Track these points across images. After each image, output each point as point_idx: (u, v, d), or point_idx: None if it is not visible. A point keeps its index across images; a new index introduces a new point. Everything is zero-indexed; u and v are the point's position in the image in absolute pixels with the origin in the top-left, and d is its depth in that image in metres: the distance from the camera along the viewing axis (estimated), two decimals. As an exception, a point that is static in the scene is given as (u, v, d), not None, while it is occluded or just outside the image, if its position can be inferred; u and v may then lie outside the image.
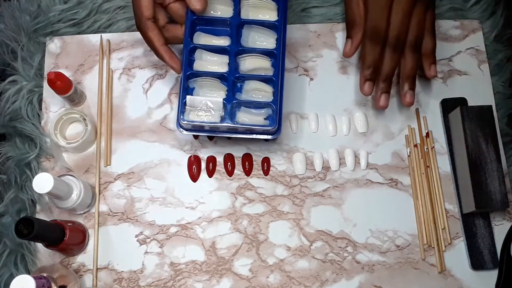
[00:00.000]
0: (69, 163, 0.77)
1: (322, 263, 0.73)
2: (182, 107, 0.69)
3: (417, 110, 0.79)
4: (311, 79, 0.80)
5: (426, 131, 0.78)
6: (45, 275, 0.62)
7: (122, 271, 0.73)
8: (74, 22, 0.82)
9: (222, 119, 0.69)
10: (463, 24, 0.82)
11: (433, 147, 0.77)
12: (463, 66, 0.81)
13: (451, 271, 0.73)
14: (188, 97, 0.69)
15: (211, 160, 0.77)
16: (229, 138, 0.77)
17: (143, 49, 0.81)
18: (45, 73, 0.80)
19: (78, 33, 0.82)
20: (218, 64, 0.71)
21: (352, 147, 0.77)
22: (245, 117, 0.70)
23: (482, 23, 0.82)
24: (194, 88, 0.71)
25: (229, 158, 0.77)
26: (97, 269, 0.73)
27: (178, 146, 0.78)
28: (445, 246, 0.74)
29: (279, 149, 0.77)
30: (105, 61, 0.81)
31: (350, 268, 0.73)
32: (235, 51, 0.70)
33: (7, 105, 0.78)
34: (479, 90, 0.79)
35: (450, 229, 0.74)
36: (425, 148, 0.77)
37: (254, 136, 0.71)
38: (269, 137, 0.71)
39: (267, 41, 0.72)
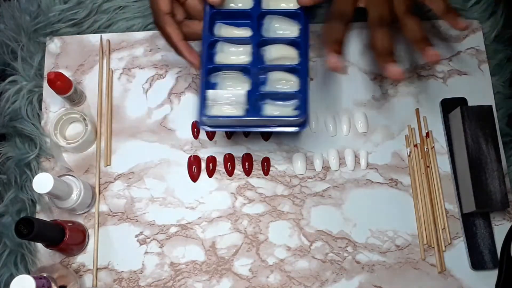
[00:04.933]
0: (69, 163, 0.77)
1: (322, 263, 0.73)
2: (203, 102, 0.66)
3: (417, 110, 0.79)
4: (311, 79, 0.80)
5: (426, 131, 0.78)
6: (45, 275, 0.62)
7: (122, 271, 0.73)
8: (74, 22, 0.82)
9: (247, 113, 0.66)
10: (463, 24, 0.82)
11: (433, 147, 0.77)
12: (463, 66, 0.80)
13: (451, 271, 0.73)
14: (209, 91, 0.66)
15: (211, 160, 0.77)
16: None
17: (143, 49, 0.81)
18: (45, 73, 0.80)
19: (78, 33, 0.82)
20: (242, 54, 0.68)
21: (352, 147, 0.77)
22: (272, 109, 0.67)
23: (482, 23, 0.82)
24: (216, 83, 0.68)
25: (229, 158, 0.77)
26: (97, 269, 0.73)
27: (178, 146, 0.78)
28: (445, 246, 0.74)
29: (279, 149, 0.77)
30: (105, 61, 0.81)
31: (350, 268, 0.73)
32: (257, 42, 0.68)
33: (7, 105, 0.78)
34: (479, 90, 0.79)
35: (450, 229, 0.74)
36: (425, 148, 0.77)
37: (282, 129, 0.68)
38: (296, 129, 0.68)
39: (290, 30, 0.69)
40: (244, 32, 0.69)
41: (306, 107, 0.66)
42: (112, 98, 0.80)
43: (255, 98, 0.66)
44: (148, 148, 0.77)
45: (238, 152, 0.77)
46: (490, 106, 0.74)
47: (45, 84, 0.79)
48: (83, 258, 0.74)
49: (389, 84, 0.80)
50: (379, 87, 0.80)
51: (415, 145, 0.77)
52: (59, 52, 0.81)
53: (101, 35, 0.82)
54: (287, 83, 0.68)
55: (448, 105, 0.78)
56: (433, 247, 0.73)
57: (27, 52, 0.80)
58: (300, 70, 0.67)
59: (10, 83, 0.79)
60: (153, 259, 0.74)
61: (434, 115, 0.79)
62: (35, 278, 0.58)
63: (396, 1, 0.66)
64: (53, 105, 0.79)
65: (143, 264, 0.73)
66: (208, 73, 0.67)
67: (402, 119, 0.79)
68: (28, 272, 0.72)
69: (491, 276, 0.72)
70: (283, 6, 0.70)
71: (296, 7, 0.69)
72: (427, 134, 0.78)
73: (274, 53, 0.69)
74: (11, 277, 0.71)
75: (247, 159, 0.77)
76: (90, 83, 0.80)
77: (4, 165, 0.77)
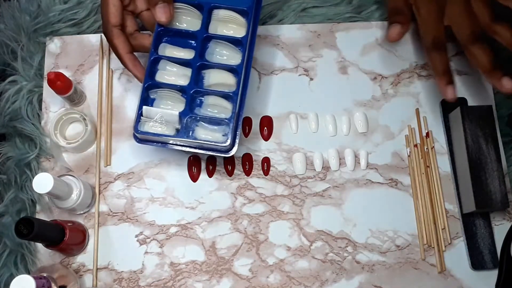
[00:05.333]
0: (69, 163, 0.77)
1: (322, 263, 0.73)
2: (138, 118, 0.67)
3: (417, 110, 0.79)
4: (311, 79, 0.80)
5: (426, 131, 0.78)
6: (45, 275, 0.62)
7: (122, 271, 0.73)
8: (74, 22, 0.82)
9: (177, 133, 0.67)
10: (463, 24, 0.82)
11: (433, 147, 0.77)
12: (463, 66, 0.80)
13: (451, 271, 0.73)
14: (144, 107, 0.67)
15: (211, 160, 0.77)
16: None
17: (143, 49, 0.81)
18: (45, 73, 0.80)
19: (78, 33, 0.82)
20: (181, 76, 0.69)
21: (352, 147, 0.77)
22: (202, 132, 0.68)
23: (482, 23, 0.82)
24: (154, 99, 0.69)
25: (229, 158, 0.77)
26: (97, 269, 0.73)
27: (178, 146, 0.78)
28: (445, 246, 0.74)
29: (279, 149, 0.77)
30: (105, 61, 0.81)
31: (350, 268, 0.73)
32: (197, 65, 0.68)
33: (7, 105, 0.78)
34: (479, 90, 0.79)
35: (450, 229, 0.74)
36: (425, 148, 0.77)
37: (209, 152, 0.69)
38: (223, 155, 0.69)
39: (233, 57, 0.70)
40: (188, 54, 0.70)
41: (234, 134, 0.68)
42: (112, 98, 0.80)
43: (187, 120, 0.67)
44: (148, 148, 0.77)
45: (238, 152, 0.77)
46: (490, 106, 0.74)
47: (45, 84, 0.79)
48: (83, 258, 0.74)
49: (389, 84, 0.80)
50: (379, 87, 0.80)
51: (415, 145, 0.77)
52: (59, 52, 0.81)
53: (101, 35, 0.82)
54: (220, 108, 0.69)
55: (448, 105, 0.78)
56: (433, 247, 0.73)
57: (27, 52, 0.80)
58: (234, 98, 0.68)
59: (10, 83, 0.79)
60: (153, 259, 0.74)
61: (434, 115, 0.79)
62: (35, 278, 0.58)
63: (479, 12, 0.69)
64: (53, 105, 0.79)
65: (143, 264, 0.73)
66: (147, 89, 0.68)
67: (402, 119, 0.79)
68: (28, 272, 0.72)
69: (491, 276, 0.72)
70: (231, 33, 0.70)
71: (241, 35, 0.69)
72: (427, 134, 0.78)
73: (213, 78, 0.69)
74: (11, 277, 0.72)
75: (247, 159, 0.77)
76: (90, 83, 0.80)
77: (4, 165, 0.77)
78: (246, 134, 0.78)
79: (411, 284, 0.73)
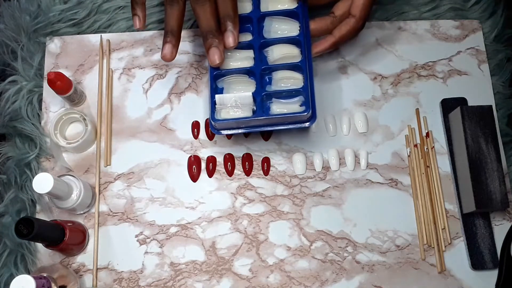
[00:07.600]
0: (69, 163, 0.77)
1: (322, 263, 0.73)
2: (212, 108, 0.68)
3: (417, 110, 0.79)
4: (311, 79, 0.80)
5: (426, 131, 0.78)
6: (45, 275, 0.62)
7: (122, 271, 0.73)
8: (74, 22, 0.82)
9: (254, 113, 0.68)
10: (463, 24, 0.82)
11: (433, 147, 0.77)
12: (463, 66, 0.81)
13: (451, 271, 0.73)
14: (216, 96, 0.68)
15: (211, 160, 0.77)
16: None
17: (143, 49, 0.81)
18: (45, 73, 0.80)
19: (78, 33, 0.82)
20: (244, 59, 0.71)
21: (352, 147, 0.77)
22: (278, 107, 0.69)
23: (482, 23, 0.82)
24: (223, 88, 0.71)
25: (229, 158, 0.77)
26: (97, 269, 0.73)
27: (178, 146, 0.78)
28: (445, 246, 0.74)
29: (279, 149, 0.77)
30: (105, 61, 0.81)
31: (350, 268, 0.73)
32: (259, 44, 0.70)
33: (7, 105, 0.78)
34: (479, 90, 0.79)
35: (450, 229, 0.74)
36: (425, 148, 0.77)
37: (290, 126, 0.70)
38: (305, 125, 0.69)
39: (290, 29, 0.71)
40: (245, 37, 0.71)
41: (311, 102, 0.68)
42: (112, 98, 0.80)
43: (261, 99, 0.68)
44: (148, 148, 0.77)
45: (238, 152, 0.77)
46: (490, 106, 0.74)
47: (45, 84, 0.79)
48: (83, 258, 0.74)
49: (389, 84, 0.80)
50: (379, 87, 0.80)
51: (415, 145, 0.77)
52: (59, 52, 0.81)
53: (101, 35, 0.82)
54: (291, 80, 0.70)
55: (448, 105, 0.78)
56: (433, 247, 0.73)
57: (27, 52, 0.80)
58: (303, 67, 0.69)
59: (10, 83, 0.79)
60: (153, 259, 0.74)
61: (434, 115, 0.79)
62: (35, 278, 0.58)
63: None
64: (53, 105, 0.79)
65: (143, 264, 0.73)
66: (215, 78, 0.70)
67: (402, 119, 0.79)
68: (28, 272, 0.72)
69: (491, 276, 0.72)
70: (280, 7, 0.71)
71: (293, 7, 0.71)
72: (427, 134, 0.78)
73: (277, 53, 0.70)
74: (11, 277, 0.72)
75: (247, 159, 0.77)
76: (90, 83, 0.80)
77: (4, 165, 0.77)
78: (246, 134, 0.78)
79: (411, 284, 0.73)
